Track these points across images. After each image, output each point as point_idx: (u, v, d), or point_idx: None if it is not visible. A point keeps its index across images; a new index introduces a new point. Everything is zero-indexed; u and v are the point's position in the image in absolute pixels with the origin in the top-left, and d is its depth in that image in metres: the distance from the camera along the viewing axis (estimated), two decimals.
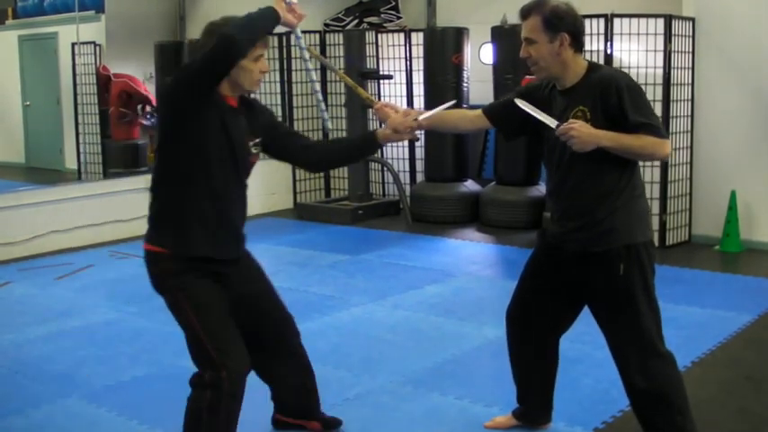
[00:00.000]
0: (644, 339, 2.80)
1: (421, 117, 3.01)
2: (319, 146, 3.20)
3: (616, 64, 6.30)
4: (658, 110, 6.23)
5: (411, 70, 8.11)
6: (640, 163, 2.89)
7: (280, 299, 3.02)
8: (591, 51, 6.37)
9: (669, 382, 2.83)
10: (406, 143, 8.11)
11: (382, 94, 8.16)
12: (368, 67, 7.96)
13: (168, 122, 2.72)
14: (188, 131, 2.66)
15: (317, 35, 8.60)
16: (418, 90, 8.04)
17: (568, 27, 2.74)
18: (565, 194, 2.84)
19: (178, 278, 2.67)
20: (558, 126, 2.66)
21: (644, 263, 2.78)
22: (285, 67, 8.49)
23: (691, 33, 6.44)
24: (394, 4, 8.99)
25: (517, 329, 3.09)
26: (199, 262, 2.69)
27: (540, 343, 3.09)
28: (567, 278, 2.91)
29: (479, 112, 3.09)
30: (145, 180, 7.51)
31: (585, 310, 2.97)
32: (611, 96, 2.68)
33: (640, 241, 2.79)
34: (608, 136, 2.65)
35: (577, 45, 2.78)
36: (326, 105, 8.43)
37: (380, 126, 3.12)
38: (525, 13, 2.80)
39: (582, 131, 2.62)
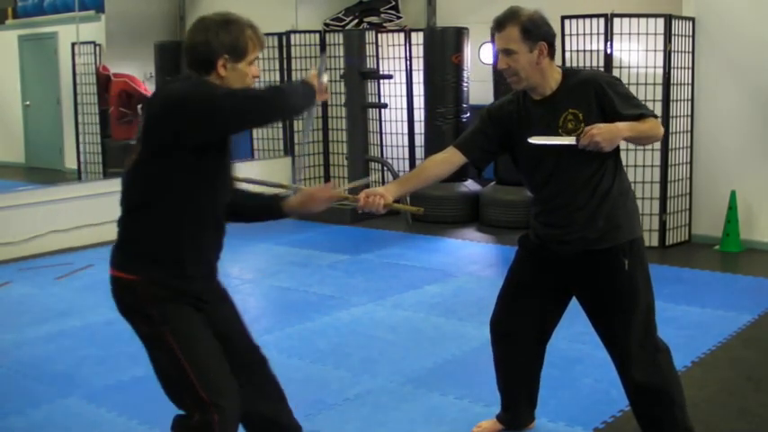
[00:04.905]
0: (645, 334, 2.80)
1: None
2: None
3: (616, 64, 6.30)
4: (658, 110, 6.23)
5: (411, 70, 8.11)
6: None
7: (252, 336, 2.64)
8: (591, 51, 6.38)
9: (670, 378, 2.84)
10: (406, 143, 8.12)
11: (382, 93, 8.16)
12: (368, 66, 7.96)
13: (167, 137, 2.35)
14: (187, 150, 2.34)
15: (317, 35, 8.60)
16: (418, 90, 8.05)
17: (545, 36, 2.73)
18: (562, 205, 2.81)
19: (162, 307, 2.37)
20: (578, 140, 2.63)
21: (643, 257, 2.81)
22: (285, 66, 8.49)
23: (691, 33, 6.45)
24: (394, 3, 8.99)
25: (504, 337, 3.06)
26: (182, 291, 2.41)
27: (528, 347, 3.07)
28: (559, 279, 2.89)
29: (450, 149, 2.96)
30: None
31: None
32: (605, 95, 2.69)
33: (639, 236, 2.82)
34: (626, 126, 2.64)
35: (553, 53, 2.77)
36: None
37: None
38: (500, 24, 2.73)
39: (602, 132, 2.59)
